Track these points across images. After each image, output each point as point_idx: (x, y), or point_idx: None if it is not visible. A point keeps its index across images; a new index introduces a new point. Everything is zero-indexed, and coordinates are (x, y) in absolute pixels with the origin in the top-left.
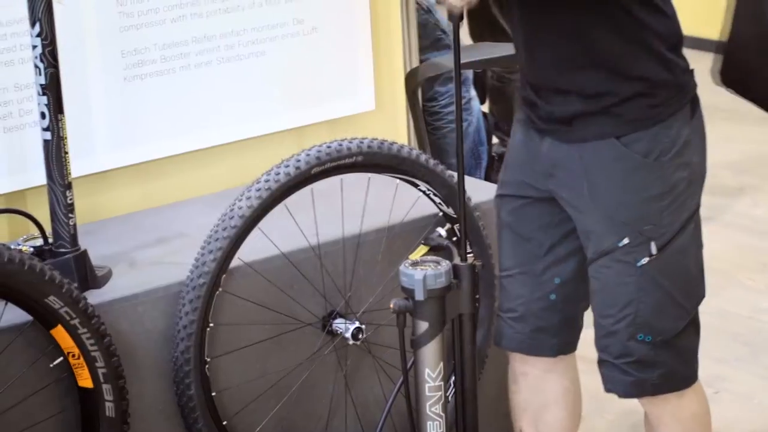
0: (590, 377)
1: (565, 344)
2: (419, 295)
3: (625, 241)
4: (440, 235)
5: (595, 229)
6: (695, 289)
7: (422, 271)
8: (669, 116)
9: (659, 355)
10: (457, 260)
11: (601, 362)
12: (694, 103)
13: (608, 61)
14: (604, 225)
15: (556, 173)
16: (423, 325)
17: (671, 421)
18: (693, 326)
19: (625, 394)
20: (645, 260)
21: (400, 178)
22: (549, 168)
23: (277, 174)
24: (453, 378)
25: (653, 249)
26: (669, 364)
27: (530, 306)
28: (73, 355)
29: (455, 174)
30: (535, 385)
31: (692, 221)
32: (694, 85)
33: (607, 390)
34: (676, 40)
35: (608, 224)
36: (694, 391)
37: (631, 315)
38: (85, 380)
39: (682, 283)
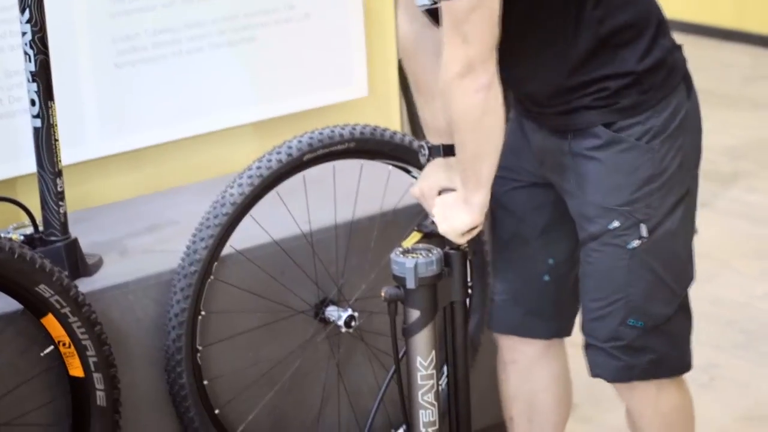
0: (584, 363)
1: (559, 328)
2: (410, 284)
3: (615, 224)
4: (433, 222)
5: (587, 213)
6: (684, 273)
7: (413, 258)
8: (661, 100)
9: (649, 341)
10: (448, 248)
11: (588, 346)
12: (687, 80)
13: (589, 71)
14: (594, 208)
15: (546, 160)
16: (414, 314)
17: (653, 413)
18: (683, 312)
19: (613, 378)
20: (636, 243)
21: (393, 165)
22: (541, 155)
23: (269, 161)
24: (446, 366)
25: (644, 231)
26: (659, 351)
27: (523, 288)
28: (64, 344)
29: None
30: (525, 372)
31: (682, 204)
32: (683, 61)
33: (594, 375)
34: (655, 22)
35: (599, 207)
36: (675, 384)
37: (623, 299)
38: (76, 369)
39: (672, 267)
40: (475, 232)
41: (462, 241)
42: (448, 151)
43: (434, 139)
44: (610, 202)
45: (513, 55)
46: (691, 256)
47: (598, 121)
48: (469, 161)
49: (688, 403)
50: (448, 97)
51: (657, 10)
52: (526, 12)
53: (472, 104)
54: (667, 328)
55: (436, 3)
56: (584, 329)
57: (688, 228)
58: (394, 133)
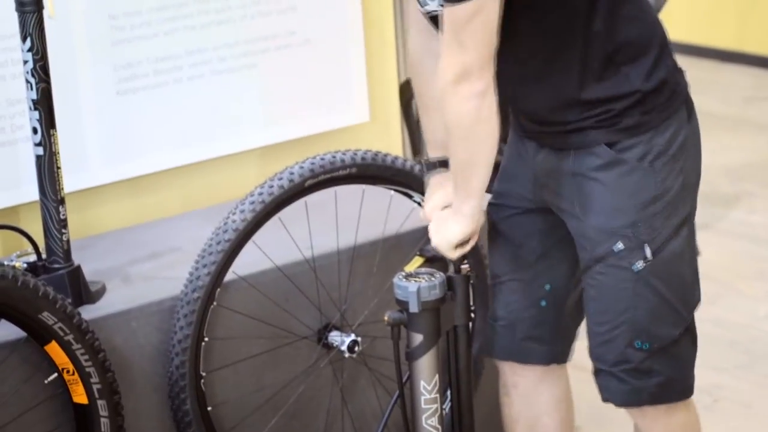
0: (587, 386)
1: (557, 353)
2: (413, 308)
3: (620, 245)
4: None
5: (590, 236)
6: (690, 295)
7: (416, 283)
8: (663, 121)
9: (656, 363)
10: (451, 271)
11: (597, 371)
12: (689, 104)
13: (596, 90)
14: (598, 231)
15: (549, 183)
16: (418, 338)
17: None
18: (689, 335)
19: (622, 402)
20: (640, 264)
21: (395, 190)
22: (542, 178)
23: (271, 187)
24: (449, 390)
25: (648, 253)
26: (666, 374)
27: (520, 313)
28: (68, 371)
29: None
30: (527, 395)
31: (686, 225)
32: (686, 85)
33: (604, 399)
34: (660, 42)
35: (602, 230)
36: (684, 404)
37: (628, 321)
38: (79, 396)
39: (678, 289)
40: (467, 247)
41: (454, 255)
42: (443, 164)
43: (434, 153)
44: (613, 225)
45: (518, 72)
46: (697, 277)
47: (600, 141)
48: (460, 169)
49: (696, 422)
50: (443, 104)
51: (662, 31)
52: (532, 28)
53: (465, 111)
54: (673, 351)
55: (441, 6)
56: (592, 354)
57: (692, 249)
58: (396, 158)
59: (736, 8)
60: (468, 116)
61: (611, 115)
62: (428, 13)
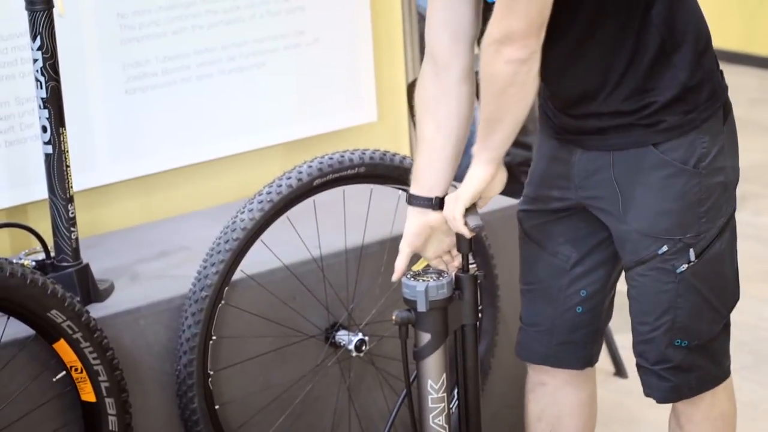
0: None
1: (590, 356)
2: (421, 307)
3: (664, 248)
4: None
5: (633, 238)
6: (731, 294)
7: (424, 282)
8: (703, 122)
9: (695, 360)
10: (459, 271)
11: (639, 367)
12: (727, 105)
13: (639, 80)
14: (641, 233)
15: (587, 184)
16: (425, 337)
17: (702, 419)
18: (725, 328)
19: (663, 399)
20: (684, 267)
21: (403, 189)
22: (581, 179)
23: (279, 186)
24: (456, 389)
25: (692, 256)
26: (704, 367)
27: (556, 319)
28: (76, 369)
29: (457, 184)
30: (553, 395)
31: (729, 226)
32: (726, 88)
33: (647, 395)
34: (705, 40)
35: (646, 233)
36: (725, 390)
37: (669, 322)
38: (87, 394)
39: (719, 288)
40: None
41: (461, 223)
42: (424, 201)
43: (417, 189)
44: (658, 228)
45: (567, 53)
46: (737, 276)
47: (644, 142)
48: (486, 119)
49: (734, 410)
50: (483, 56)
51: (706, 27)
52: (592, 9)
53: (501, 72)
54: (711, 346)
55: None
56: (635, 350)
57: (733, 249)
58: (404, 157)
59: (742, 10)
60: (504, 78)
61: (653, 110)
62: None
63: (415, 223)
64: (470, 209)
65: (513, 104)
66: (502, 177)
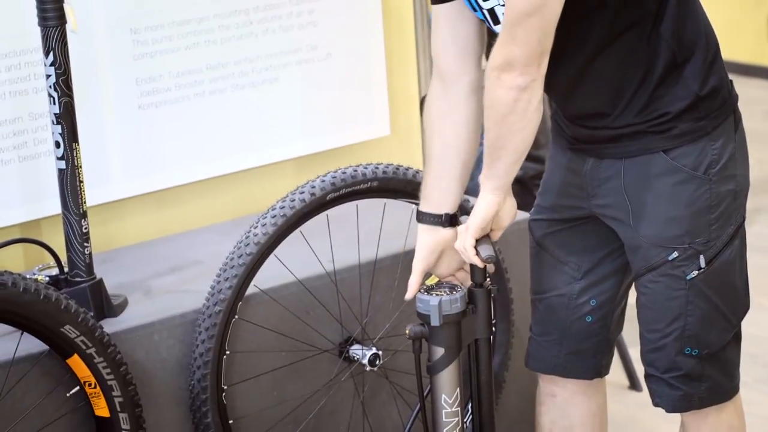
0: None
1: (600, 366)
2: (435, 321)
3: (674, 255)
4: None
5: (643, 245)
6: (741, 302)
7: (437, 296)
8: (714, 129)
9: (706, 369)
10: (473, 285)
11: (648, 376)
12: (737, 113)
13: (651, 94)
14: (652, 240)
15: (599, 192)
16: (439, 351)
17: None
18: (735, 339)
19: (672, 408)
20: (694, 273)
21: (416, 204)
22: (593, 187)
23: (293, 200)
24: (470, 403)
25: (702, 262)
26: (714, 378)
27: (566, 329)
28: (90, 384)
29: (471, 198)
30: (564, 406)
31: (738, 234)
32: (736, 96)
33: (655, 404)
34: (714, 48)
35: (657, 239)
36: (733, 404)
37: (679, 329)
38: (101, 409)
39: (729, 296)
40: (485, 226)
41: (473, 252)
42: (436, 218)
43: (426, 206)
44: (668, 235)
45: (579, 71)
46: (747, 285)
47: (654, 148)
48: (490, 146)
49: (743, 424)
50: (486, 82)
51: (714, 37)
52: (602, 27)
53: (503, 99)
54: (721, 356)
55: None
56: (644, 359)
57: (743, 257)
58: (417, 171)
59: (755, 22)
60: (504, 104)
61: (667, 119)
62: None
63: (426, 240)
64: (483, 239)
65: (514, 132)
66: (512, 206)
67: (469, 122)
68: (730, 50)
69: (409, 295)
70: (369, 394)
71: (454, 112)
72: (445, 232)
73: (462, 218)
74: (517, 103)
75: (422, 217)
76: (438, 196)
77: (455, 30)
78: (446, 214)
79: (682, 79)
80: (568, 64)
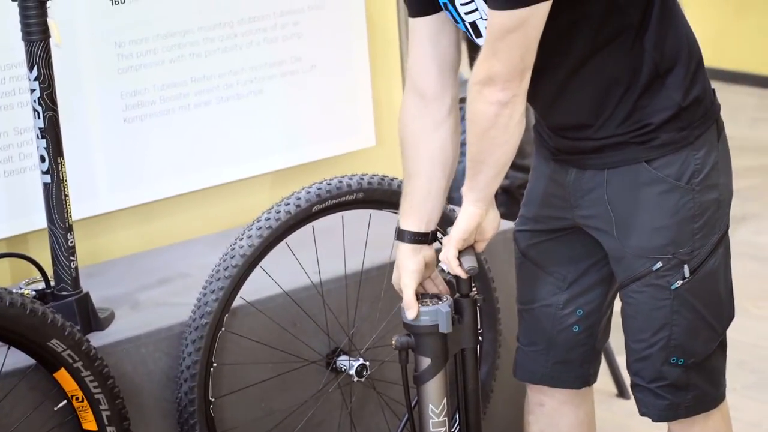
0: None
1: (588, 376)
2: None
3: (659, 264)
4: (443, 270)
5: (626, 255)
6: (726, 311)
7: (434, 305)
8: (696, 138)
9: (692, 378)
10: (458, 295)
11: (634, 386)
12: (719, 123)
13: (634, 105)
14: (636, 250)
15: (582, 203)
16: (425, 361)
17: None
18: (721, 347)
19: (659, 418)
20: (679, 283)
21: None
22: (576, 198)
23: (278, 212)
24: (458, 413)
25: (686, 272)
26: (700, 387)
27: (553, 339)
28: (77, 398)
29: (456, 208)
30: (551, 415)
31: (723, 243)
32: (719, 105)
33: (642, 414)
34: (697, 58)
35: (641, 249)
36: (720, 412)
37: (665, 339)
38: (89, 423)
39: (714, 305)
40: (470, 235)
41: (455, 263)
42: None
43: (410, 225)
44: (652, 245)
45: (562, 83)
46: (731, 293)
47: (637, 158)
48: (471, 160)
49: (729, 426)
50: (468, 97)
51: (697, 46)
52: (585, 39)
53: (483, 113)
54: (707, 365)
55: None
56: (629, 369)
57: (727, 266)
58: (402, 182)
59: (741, 30)
60: (485, 119)
61: (649, 129)
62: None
63: (413, 260)
64: (466, 250)
65: (495, 147)
66: (495, 217)
67: (454, 137)
68: (717, 58)
69: (413, 314)
70: (357, 405)
71: (439, 128)
72: (429, 249)
73: (448, 229)
74: (499, 118)
75: (406, 236)
76: (426, 214)
77: (435, 47)
78: (432, 233)
79: (664, 89)
80: (550, 76)
